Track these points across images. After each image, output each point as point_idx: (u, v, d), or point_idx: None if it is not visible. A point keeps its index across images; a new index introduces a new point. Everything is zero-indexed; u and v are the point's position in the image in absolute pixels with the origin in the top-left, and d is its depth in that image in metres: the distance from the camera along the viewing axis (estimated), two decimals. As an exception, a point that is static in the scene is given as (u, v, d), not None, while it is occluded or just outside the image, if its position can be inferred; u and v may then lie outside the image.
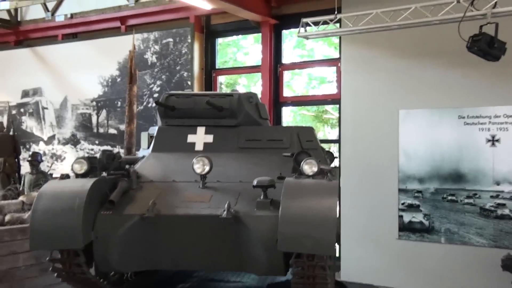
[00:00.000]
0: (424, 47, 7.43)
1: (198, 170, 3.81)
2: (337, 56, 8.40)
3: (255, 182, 3.56)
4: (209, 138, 4.46)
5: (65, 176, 3.89)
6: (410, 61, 7.56)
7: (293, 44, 9.73)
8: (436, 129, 7.43)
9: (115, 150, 10.05)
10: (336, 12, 6.61)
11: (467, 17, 5.49)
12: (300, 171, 3.62)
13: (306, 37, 6.68)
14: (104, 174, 4.00)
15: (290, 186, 3.43)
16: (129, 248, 3.64)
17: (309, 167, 3.55)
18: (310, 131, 4.80)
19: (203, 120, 4.52)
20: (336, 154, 6.06)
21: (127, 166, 4.17)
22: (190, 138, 4.49)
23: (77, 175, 3.80)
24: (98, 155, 4.16)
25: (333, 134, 10.51)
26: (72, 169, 3.85)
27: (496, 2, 5.42)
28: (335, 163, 5.96)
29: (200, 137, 4.48)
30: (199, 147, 4.43)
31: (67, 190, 3.58)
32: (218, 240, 3.57)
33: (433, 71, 7.39)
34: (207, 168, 3.78)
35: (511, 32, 5.82)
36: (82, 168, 3.82)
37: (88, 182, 3.60)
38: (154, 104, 9.59)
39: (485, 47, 5.32)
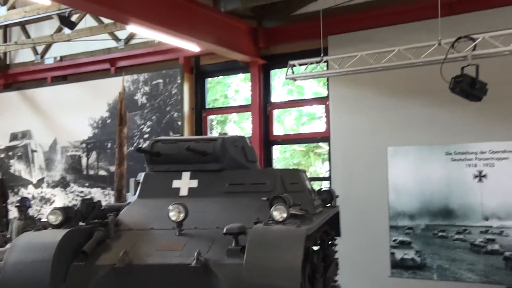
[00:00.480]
0: (410, 86, 7.60)
1: (174, 218, 3.82)
2: (326, 92, 8.54)
3: (225, 230, 3.57)
4: (194, 183, 4.46)
5: (41, 227, 3.91)
6: (397, 99, 7.71)
7: (282, 81, 9.89)
8: (425, 165, 7.53)
9: (96, 198, 9.99)
10: (322, 54, 6.76)
11: (448, 59, 5.66)
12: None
13: (294, 79, 6.81)
14: (83, 223, 4.03)
15: (256, 233, 3.42)
16: None
17: (278, 213, 3.53)
18: (295, 173, 4.81)
19: (189, 165, 4.54)
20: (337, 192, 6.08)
21: (109, 214, 4.15)
22: (175, 183, 4.49)
23: (53, 226, 3.83)
24: (78, 204, 4.20)
25: (325, 167, 10.55)
26: (47, 220, 3.87)
27: (475, 45, 5.59)
28: (337, 201, 6.01)
29: (185, 182, 4.49)
30: (183, 192, 4.42)
31: (38, 242, 3.60)
32: (187, 287, 3.55)
33: (420, 109, 7.54)
34: (182, 216, 3.79)
35: (491, 72, 6.00)
36: (57, 219, 3.83)
37: (59, 234, 3.61)
38: (144, 145, 9.64)
39: (467, 88, 5.46)
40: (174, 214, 3.79)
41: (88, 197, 10.27)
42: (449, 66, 5.85)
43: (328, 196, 5.75)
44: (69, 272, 3.62)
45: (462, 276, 7.19)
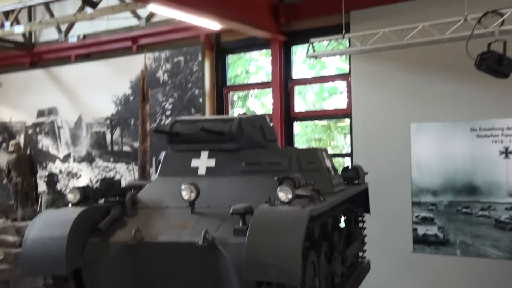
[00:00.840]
0: (434, 61, 7.45)
1: (186, 197, 3.90)
2: (348, 67, 8.45)
3: (231, 210, 3.63)
4: (212, 163, 4.51)
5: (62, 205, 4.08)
6: (421, 75, 7.59)
7: (303, 56, 9.79)
8: (449, 142, 7.44)
9: (121, 174, 10.32)
10: (344, 31, 6.66)
11: (475, 35, 5.51)
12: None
13: (315, 57, 6.74)
14: (102, 201, 4.18)
15: (260, 214, 3.45)
16: (115, 273, 3.78)
17: (283, 194, 3.54)
18: (312, 152, 4.81)
19: (207, 145, 4.60)
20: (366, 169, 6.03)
21: (128, 192, 4.28)
22: (194, 162, 4.56)
23: (72, 204, 3.96)
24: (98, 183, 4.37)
25: (347, 141, 10.45)
26: (66, 199, 4.03)
27: (503, 20, 5.43)
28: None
29: (203, 162, 4.54)
30: (201, 171, 4.49)
31: (55, 219, 3.77)
32: (197, 266, 3.65)
33: (444, 84, 7.41)
34: (193, 195, 3.86)
35: (520, 48, 5.83)
36: (75, 197, 3.98)
37: (76, 212, 3.77)
38: (166, 122, 9.72)
39: (494, 65, 5.33)
40: (186, 193, 3.87)
41: (112, 172, 10.49)
42: (475, 42, 5.70)
43: (355, 174, 5.74)
44: (85, 248, 3.77)
45: (486, 253, 7.16)
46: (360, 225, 6.10)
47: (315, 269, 3.99)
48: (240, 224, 3.56)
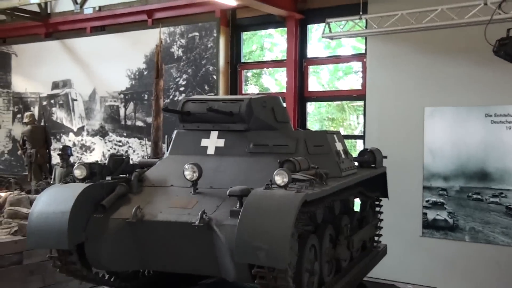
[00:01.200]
0: (452, 44, 7.35)
1: (188, 177, 3.92)
2: (363, 47, 8.35)
3: (228, 191, 3.66)
4: (221, 143, 4.52)
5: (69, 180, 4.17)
6: (437, 58, 7.49)
7: (319, 35, 9.67)
8: (462, 127, 7.38)
9: (134, 148, 10.40)
10: (361, 12, 6.57)
11: (494, 20, 5.41)
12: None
13: (331, 38, 6.67)
14: (109, 178, 4.24)
15: (253, 197, 3.45)
16: (116, 249, 3.86)
17: (279, 177, 3.52)
18: (321, 135, 4.76)
19: (217, 124, 4.60)
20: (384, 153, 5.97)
21: (136, 170, 4.33)
22: (204, 142, 4.57)
23: (78, 180, 4.02)
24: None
25: (360, 120, 10.37)
26: (73, 175, 4.09)
27: (524, 6, 5.32)
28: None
29: (212, 141, 4.55)
30: (210, 151, 4.50)
31: (60, 195, 3.84)
32: (194, 246, 3.70)
33: (460, 68, 7.31)
34: (195, 175, 3.87)
35: (539, 35, 5.71)
36: (82, 173, 4.02)
37: (79, 188, 3.84)
38: (180, 98, 9.73)
39: (512, 51, 5.25)
40: (189, 173, 3.90)
41: (125, 146, 10.56)
42: (494, 27, 5.60)
43: (371, 157, 5.67)
44: (88, 224, 3.84)
45: (495, 239, 7.16)
46: (377, 209, 6.09)
47: (316, 253, 4.01)
48: (237, 206, 3.58)
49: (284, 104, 5.26)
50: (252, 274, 3.37)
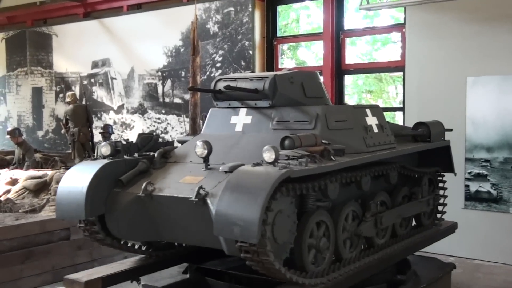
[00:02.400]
0: (495, 10, 7.09)
1: (198, 153, 4.03)
2: (403, 16, 8.15)
3: (220, 168, 3.78)
4: (248, 120, 4.61)
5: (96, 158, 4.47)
6: (480, 25, 7.24)
7: (356, 5, 9.47)
8: (507, 96, 7.17)
9: (172, 125, 10.53)
10: (400, -18, 6.40)
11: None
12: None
13: (369, 9, 6.52)
14: (136, 155, 4.50)
15: (237, 173, 3.54)
16: (131, 221, 4.13)
17: (267, 154, 3.57)
18: (346, 109, 4.71)
19: (245, 102, 4.69)
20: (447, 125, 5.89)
21: (162, 148, 4.52)
22: (233, 119, 4.68)
23: (104, 157, 4.29)
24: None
25: (399, 90, 10.18)
26: (100, 152, 4.38)
27: None
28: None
29: (240, 119, 4.65)
30: (239, 128, 4.60)
31: (82, 171, 4.16)
32: (194, 219, 3.85)
33: (504, 35, 7.06)
34: (205, 152, 3.98)
35: None
36: (106, 151, 4.29)
37: (99, 164, 4.12)
38: (216, 74, 9.77)
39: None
40: (199, 150, 4.03)
41: (164, 124, 10.72)
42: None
43: (425, 130, 5.54)
44: (108, 198, 4.14)
45: (541, 211, 7.01)
46: (440, 185, 6.01)
47: (326, 229, 4.07)
48: None
49: (321, 79, 5.21)
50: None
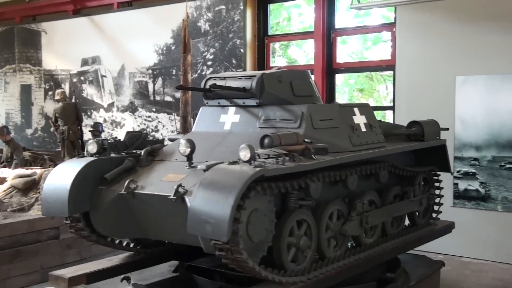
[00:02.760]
0: (484, 10, 7.15)
1: (182, 152, 4.05)
2: (393, 16, 8.19)
3: (198, 166, 3.81)
4: (236, 118, 4.64)
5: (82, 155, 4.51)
6: (469, 26, 7.30)
7: (347, 4, 9.49)
8: (495, 95, 7.23)
9: (163, 124, 10.54)
10: (390, -19, 6.43)
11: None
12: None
13: (359, 8, 6.55)
14: (124, 153, 4.54)
15: (211, 171, 3.58)
16: (114, 218, 4.18)
17: (242, 153, 3.59)
18: (331, 109, 4.69)
19: (234, 101, 4.73)
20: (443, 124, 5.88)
21: (149, 146, 4.56)
22: (222, 118, 4.72)
23: (91, 155, 4.35)
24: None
25: (390, 89, 10.23)
26: (87, 150, 4.44)
27: None
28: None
29: (229, 117, 4.69)
30: (227, 126, 4.63)
31: (68, 168, 4.21)
32: (174, 217, 3.87)
33: (493, 36, 7.12)
34: (188, 150, 3.99)
35: None
36: (93, 149, 4.34)
37: (83, 162, 4.18)
38: (208, 72, 9.76)
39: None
40: (182, 148, 4.04)
41: (155, 122, 10.69)
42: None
43: (418, 129, 5.49)
44: (92, 196, 4.19)
45: (528, 209, 7.08)
46: (436, 184, 5.96)
47: (308, 228, 4.10)
48: None
49: (312, 77, 5.21)
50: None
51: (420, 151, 5.66)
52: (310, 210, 4.17)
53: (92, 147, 4.34)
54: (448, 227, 6.06)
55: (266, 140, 3.83)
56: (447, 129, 5.95)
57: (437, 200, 5.97)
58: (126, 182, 4.05)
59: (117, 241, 4.70)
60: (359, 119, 4.83)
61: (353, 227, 4.56)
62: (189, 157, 4.04)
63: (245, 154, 3.57)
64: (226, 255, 3.51)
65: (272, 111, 4.54)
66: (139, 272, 4.95)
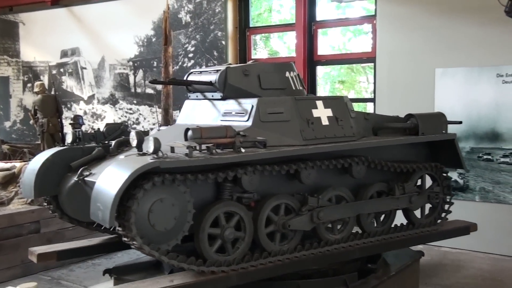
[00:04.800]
0: (463, 5, 7.24)
1: (131, 143, 4.17)
2: (374, 8, 8.24)
3: (120, 156, 4.13)
4: (205, 111, 4.82)
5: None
6: (448, 19, 7.38)
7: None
8: (474, 88, 7.33)
9: (144, 116, 10.51)
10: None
11: (507, -21, 5.30)
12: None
13: (340, 1, 6.57)
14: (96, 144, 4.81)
15: (115, 162, 3.85)
16: (78, 202, 4.46)
17: (147, 145, 3.78)
18: (282, 102, 4.58)
19: (205, 94, 4.93)
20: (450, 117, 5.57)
21: (122, 137, 4.78)
22: (196, 110, 4.91)
23: (67, 145, 4.68)
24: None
25: (370, 80, 10.30)
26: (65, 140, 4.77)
27: (538, -37, 5.20)
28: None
29: (201, 110, 4.86)
30: (199, 119, 4.81)
31: (40, 156, 4.59)
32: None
33: (472, 29, 7.22)
34: (135, 142, 4.08)
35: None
36: (69, 139, 4.68)
37: (52, 151, 4.56)
38: (189, 64, 9.72)
39: (525, 11, 5.16)
40: (131, 139, 4.17)
41: (136, 114, 10.62)
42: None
43: (412, 123, 5.24)
44: (61, 181, 4.52)
45: (505, 199, 7.20)
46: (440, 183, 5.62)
47: (242, 220, 4.19)
48: None
49: (294, 70, 5.18)
50: None
51: (431, 146, 5.46)
52: (254, 202, 4.28)
53: (68, 137, 4.67)
54: (459, 230, 5.73)
55: (189, 133, 3.94)
56: (460, 122, 5.71)
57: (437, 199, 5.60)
58: (80, 170, 4.34)
59: (95, 225, 4.89)
60: (321, 112, 4.69)
61: (301, 222, 4.49)
62: (138, 147, 4.11)
63: (150, 146, 3.73)
64: (127, 241, 3.73)
65: (230, 104, 4.66)
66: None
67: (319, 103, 4.73)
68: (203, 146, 3.84)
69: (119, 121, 10.74)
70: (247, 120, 4.41)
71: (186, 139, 3.96)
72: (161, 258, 3.82)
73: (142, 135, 4.07)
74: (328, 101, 4.80)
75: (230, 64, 5.02)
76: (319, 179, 4.60)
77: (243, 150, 3.98)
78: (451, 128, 5.72)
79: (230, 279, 4.05)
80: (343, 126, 4.77)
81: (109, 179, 3.62)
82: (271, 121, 4.46)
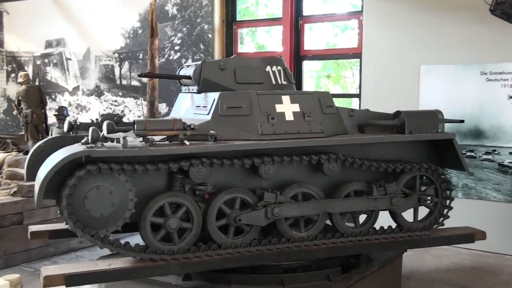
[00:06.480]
0: (448, 3, 7.29)
1: (104, 132, 4.23)
2: (360, 4, 8.27)
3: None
4: (187, 104, 4.98)
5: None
6: (433, 16, 7.43)
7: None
8: (458, 85, 7.39)
9: (129, 108, 10.49)
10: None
11: (492, -22, 5.35)
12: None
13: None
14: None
15: (63, 149, 4.14)
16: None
17: (89, 135, 4.00)
18: (242, 97, 4.53)
19: (190, 87, 5.06)
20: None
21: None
22: (184, 103, 5.08)
23: (63, 133, 5.00)
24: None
25: (356, 76, 10.33)
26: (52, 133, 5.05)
27: (523, -37, 5.25)
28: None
29: (186, 103, 5.01)
30: (183, 111, 4.98)
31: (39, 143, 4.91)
32: None
33: (457, 26, 7.27)
34: (105, 132, 4.16)
35: (537, -7, 5.65)
36: (65, 128, 5.00)
37: (46, 139, 4.90)
38: (175, 57, 9.67)
39: (510, 10, 5.20)
40: (104, 129, 4.23)
41: (121, 106, 10.56)
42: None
43: (399, 121, 4.99)
44: None
45: (487, 195, 7.29)
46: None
47: (189, 212, 4.30)
48: None
49: (284, 64, 5.14)
50: None
51: (434, 146, 5.27)
52: (208, 195, 4.39)
53: (64, 126, 4.99)
54: (426, 241, 5.33)
55: (136, 125, 4.01)
56: (462, 121, 5.57)
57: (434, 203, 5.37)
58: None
59: None
60: (286, 108, 4.60)
61: (254, 217, 4.46)
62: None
63: (90, 136, 3.94)
64: (65, 224, 4.00)
65: (201, 98, 4.77)
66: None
67: (285, 98, 4.62)
68: (141, 138, 4.02)
69: (104, 113, 10.66)
70: (208, 114, 4.51)
71: (133, 130, 4.05)
72: (96, 242, 4.03)
73: (114, 126, 4.26)
74: (297, 96, 4.67)
75: (223, 57, 5.13)
76: (286, 175, 4.59)
77: (187, 142, 4.04)
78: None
79: (169, 267, 4.19)
80: (309, 122, 4.62)
81: (45, 166, 3.96)
82: (229, 115, 4.47)
